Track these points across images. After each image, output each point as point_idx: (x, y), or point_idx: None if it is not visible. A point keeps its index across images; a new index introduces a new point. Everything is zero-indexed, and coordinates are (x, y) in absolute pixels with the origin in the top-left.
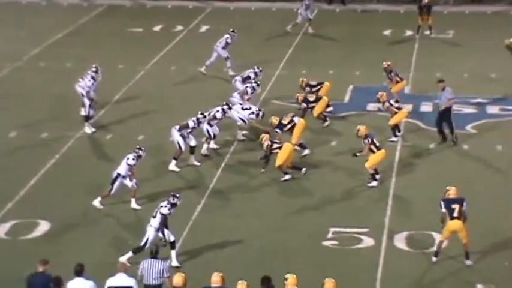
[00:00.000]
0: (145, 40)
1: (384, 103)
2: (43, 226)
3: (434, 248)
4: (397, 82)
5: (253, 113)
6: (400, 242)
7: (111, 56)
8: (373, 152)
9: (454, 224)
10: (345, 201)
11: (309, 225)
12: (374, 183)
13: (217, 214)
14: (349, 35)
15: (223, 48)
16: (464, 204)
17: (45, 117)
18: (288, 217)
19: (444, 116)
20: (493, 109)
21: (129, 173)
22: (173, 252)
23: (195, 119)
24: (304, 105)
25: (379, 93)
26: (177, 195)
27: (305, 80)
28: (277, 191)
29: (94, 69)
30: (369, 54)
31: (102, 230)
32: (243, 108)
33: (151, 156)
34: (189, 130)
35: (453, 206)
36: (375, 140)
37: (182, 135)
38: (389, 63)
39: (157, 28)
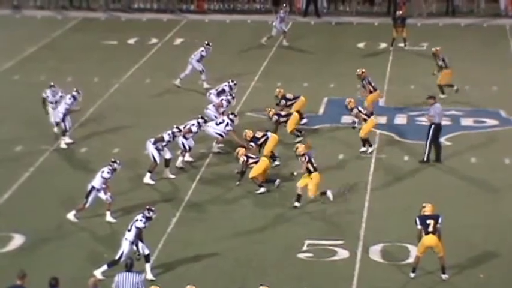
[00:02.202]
0: (120, 53)
1: (352, 109)
2: (17, 240)
3: (409, 260)
4: (370, 92)
5: (227, 123)
6: (375, 254)
7: (86, 69)
8: (310, 171)
9: (429, 240)
10: (320, 214)
11: (284, 238)
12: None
13: (193, 227)
14: (324, 47)
15: (198, 61)
16: (440, 220)
17: (19, 130)
18: (263, 229)
19: (430, 130)
20: (467, 121)
21: (104, 186)
22: (148, 266)
23: (170, 132)
24: (275, 117)
25: (347, 99)
26: (152, 208)
27: (282, 91)
28: (252, 203)
29: (75, 91)
30: (343, 67)
31: (77, 243)
32: (217, 124)
33: (126, 169)
34: (164, 143)
35: (428, 221)
36: (312, 160)
37: (157, 148)
38: (363, 70)
39: (131, 41)
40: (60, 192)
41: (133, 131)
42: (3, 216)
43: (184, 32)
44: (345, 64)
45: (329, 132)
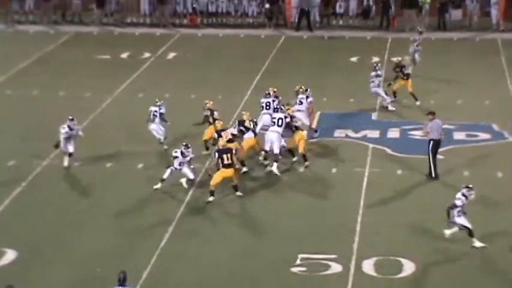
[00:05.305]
0: (112, 67)
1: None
2: (10, 255)
3: (403, 274)
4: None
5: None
6: (368, 268)
7: (78, 83)
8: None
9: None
10: (313, 228)
11: (277, 252)
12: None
13: (186, 241)
14: (317, 61)
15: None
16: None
17: (11, 145)
18: (257, 243)
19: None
20: (459, 135)
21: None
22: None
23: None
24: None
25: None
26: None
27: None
28: (245, 217)
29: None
30: (336, 81)
31: (70, 258)
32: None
33: (119, 183)
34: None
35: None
36: (224, 156)
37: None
38: (275, 89)
39: (124, 55)
40: (53, 206)
41: (126, 145)
42: None
43: (177, 46)
44: (338, 78)
45: (322, 146)
